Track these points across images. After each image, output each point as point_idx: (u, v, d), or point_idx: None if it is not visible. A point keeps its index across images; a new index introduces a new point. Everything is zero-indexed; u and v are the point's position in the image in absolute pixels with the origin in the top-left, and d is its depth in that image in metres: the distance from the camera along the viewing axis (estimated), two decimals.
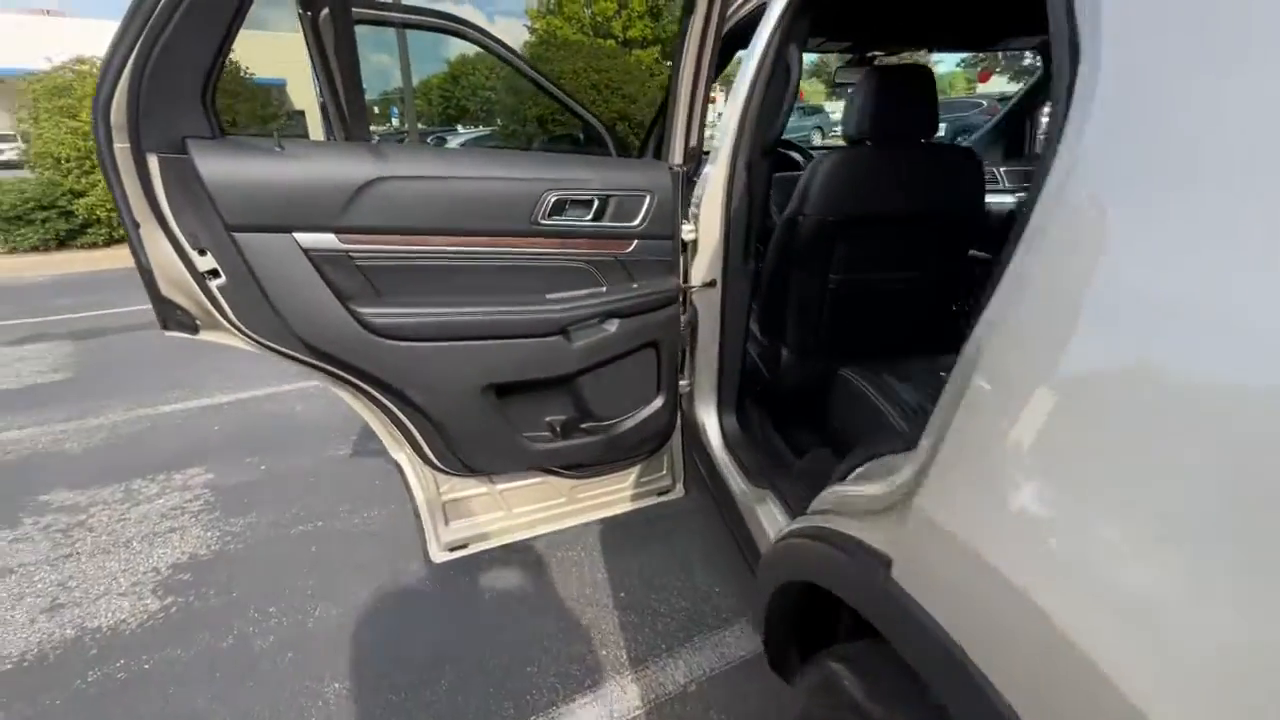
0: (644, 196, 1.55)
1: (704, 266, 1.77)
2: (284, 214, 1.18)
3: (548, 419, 1.68)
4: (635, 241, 1.59)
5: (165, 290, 1.25)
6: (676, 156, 1.62)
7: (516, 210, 1.40)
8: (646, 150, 2.68)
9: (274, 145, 1.16)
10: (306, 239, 1.22)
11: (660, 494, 2.07)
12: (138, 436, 3.31)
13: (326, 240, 1.24)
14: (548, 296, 1.52)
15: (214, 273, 1.21)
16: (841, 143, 2.11)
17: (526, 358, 1.48)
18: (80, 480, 2.91)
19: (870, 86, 1.71)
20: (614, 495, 1.96)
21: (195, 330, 1.31)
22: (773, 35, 1.60)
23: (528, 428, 1.65)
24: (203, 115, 1.09)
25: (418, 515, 1.73)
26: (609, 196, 1.52)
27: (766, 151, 1.67)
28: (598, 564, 2.20)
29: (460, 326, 1.38)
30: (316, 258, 1.24)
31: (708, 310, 1.81)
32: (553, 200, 1.44)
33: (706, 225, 1.72)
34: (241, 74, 8.91)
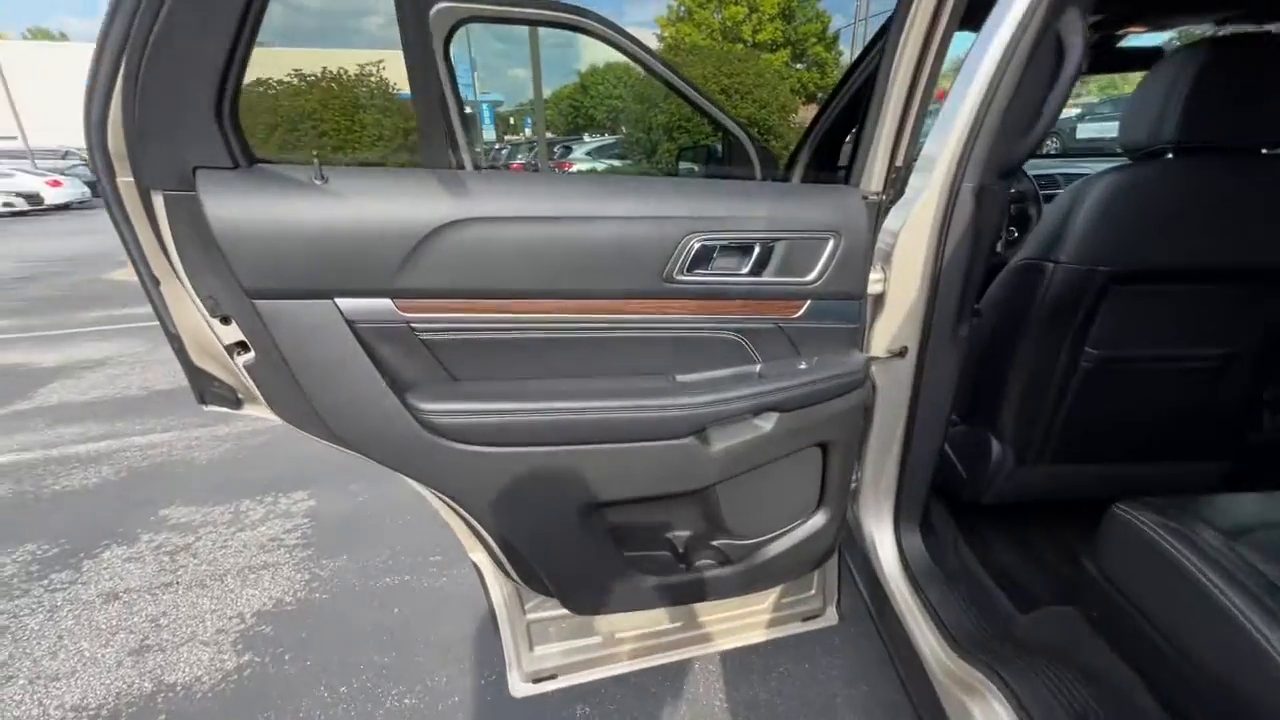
0: (826, 239, 1.08)
1: (891, 328, 1.25)
2: (321, 272, 0.85)
3: (668, 535, 1.25)
4: (807, 303, 1.12)
5: (198, 359, 0.97)
6: (874, 181, 1.13)
7: (646, 262, 0.99)
8: (795, 168, 2.18)
9: (314, 176, 0.83)
10: (352, 306, 0.88)
11: (805, 619, 1.57)
12: (258, 451, 3.34)
13: (380, 308, 0.89)
14: (679, 380, 1.08)
15: (242, 345, 0.90)
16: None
17: (646, 468, 1.06)
18: (198, 496, 2.94)
19: (1187, 67, 1.11)
20: (745, 620, 1.49)
21: (237, 405, 1.02)
22: (1033, 3, 1.05)
23: (640, 544, 1.23)
24: (218, 136, 0.77)
25: (496, 630, 1.37)
26: (776, 240, 1.06)
27: (1008, 172, 1.13)
28: (715, 691, 1.74)
29: (558, 427, 0.99)
30: (365, 332, 0.90)
31: (891, 387, 1.29)
32: (697, 247, 1.01)
33: (902, 272, 1.21)
34: (390, 90, 9.46)
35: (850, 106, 1.51)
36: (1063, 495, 1.53)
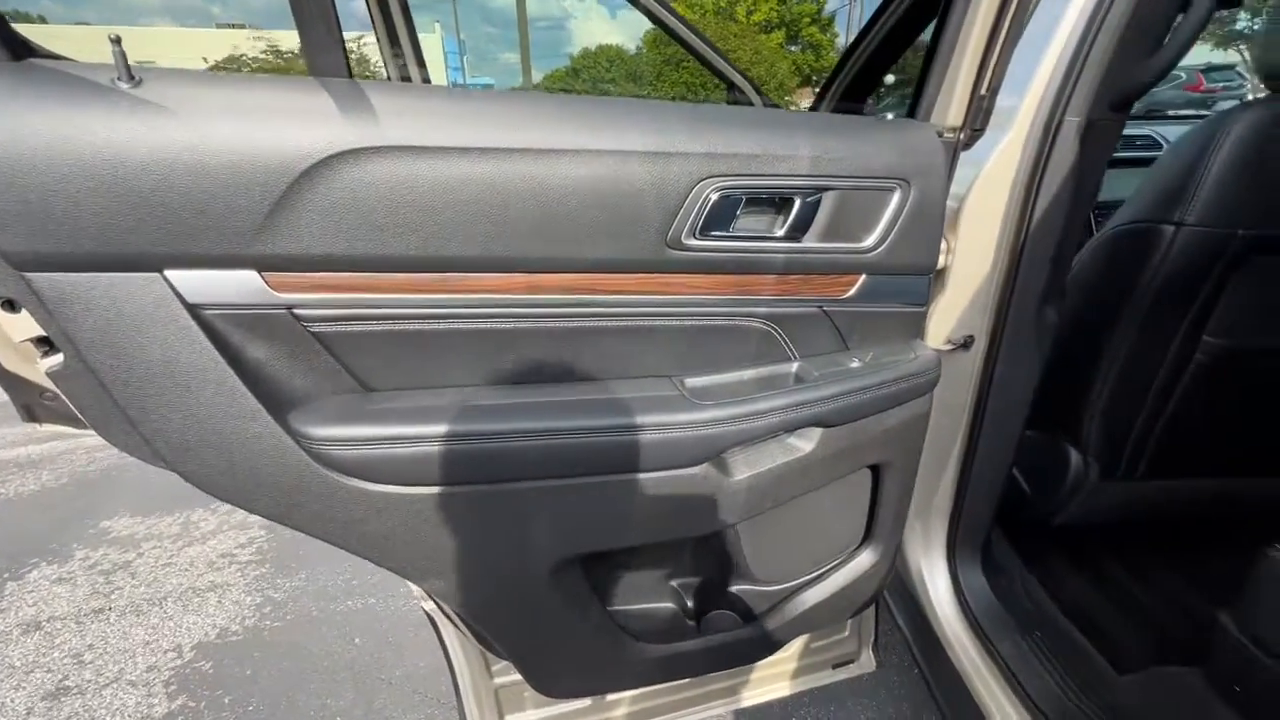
0: (891, 190, 0.79)
1: (955, 311, 0.97)
2: (139, 230, 0.55)
3: (673, 582, 0.97)
4: (861, 278, 0.83)
5: (9, 362, 0.67)
6: (952, 113, 0.84)
7: (643, 219, 0.70)
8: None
9: (114, 76, 0.53)
10: (194, 281, 0.58)
11: (836, 666, 1.29)
12: None
13: (240, 284, 0.60)
14: (688, 384, 0.80)
15: (46, 343, 0.60)
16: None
17: (643, 510, 0.77)
18: (146, 504, 2.65)
19: None
20: (765, 670, 1.21)
21: (82, 423, 0.72)
22: None
23: (633, 595, 0.94)
24: None
25: (457, 692, 1.08)
26: (823, 191, 0.76)
27: (1124, 103, 0.84)
28: None
29: (518, 457, 0.70)
30: (217, 321, 0.60)
31: (950, 386, 1.01)
32: (715, 199, 0.72)
33: (972, 237, 0.93)
34: None
35: (893, 36, 1.21)
36: (1144, 515, 1.25)
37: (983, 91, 0.83)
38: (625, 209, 0.69)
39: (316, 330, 0.64)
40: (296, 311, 0.62)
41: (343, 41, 0.61)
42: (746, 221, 0.77)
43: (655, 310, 0.76)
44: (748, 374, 0.84)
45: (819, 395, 0.79)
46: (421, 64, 1.02)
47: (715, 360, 0.83)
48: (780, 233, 0.77)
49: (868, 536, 1.02)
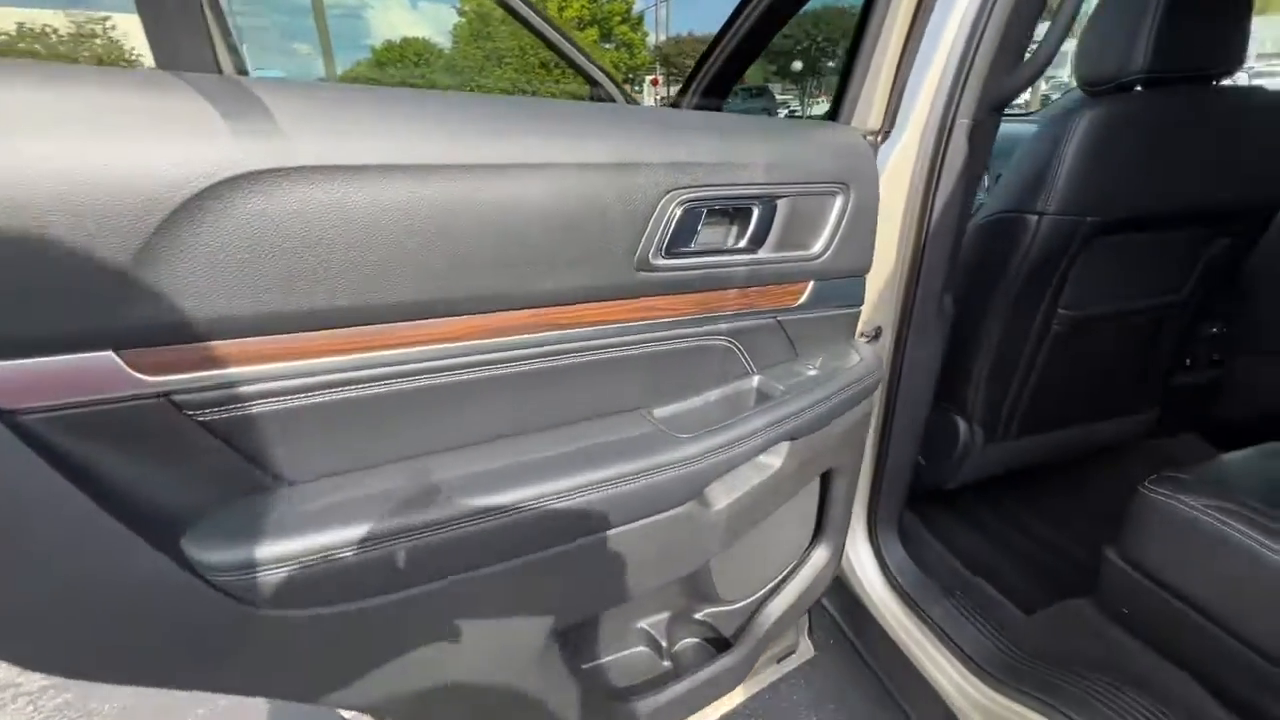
0: (834, 194, 0.78)
1: (866, 307, 1.01)
2: None
3: (643, 623, 0.89)
4: (810, 285, 0.81)
5: None
6: (873, 116, 0.85)
7: (610, 240, 0.61)
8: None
9: None
10: (7, 378, 0.39)
11: (780, 660, 1.31)
12: None
13: (87, 370, 0.41)
14: (656, 415, 0.72)
15: None
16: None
17: (629, 563, 0.68)
18: None
19: None
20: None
21: None
22: None
23: (609, 646, 0.85)
24: None
25: None
26: (777, 197, 0.73)
27: (1001, 105, 0.92)
28: None
29: (493, 538, 0.57)
30: (50, 427, 0.40)
31: None
32: (680, 213, 0.65)
33: (879, 237, 0.96)
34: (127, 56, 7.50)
35: (755, 31, 1.23)
36: (1020, 468, 1.43)
37: (897, 96, 0.86)
38: (592, 230, 0.60)
39: (207, 419, 0.46)
40: (177, 398, 0.44)
41: (206, 23, 0.44)
42: (706, 235, 0.71)
43: (624, 340, 0.67)
44: (714, 395, 0.79)
45: (790, 411, 0.76)
46: (234, 50, 0.80)
47: (682, 385, 0.76)
48: (741, 244, 0.73)
49: (818, 535, 1.03)
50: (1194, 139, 1.11)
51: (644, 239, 0.64)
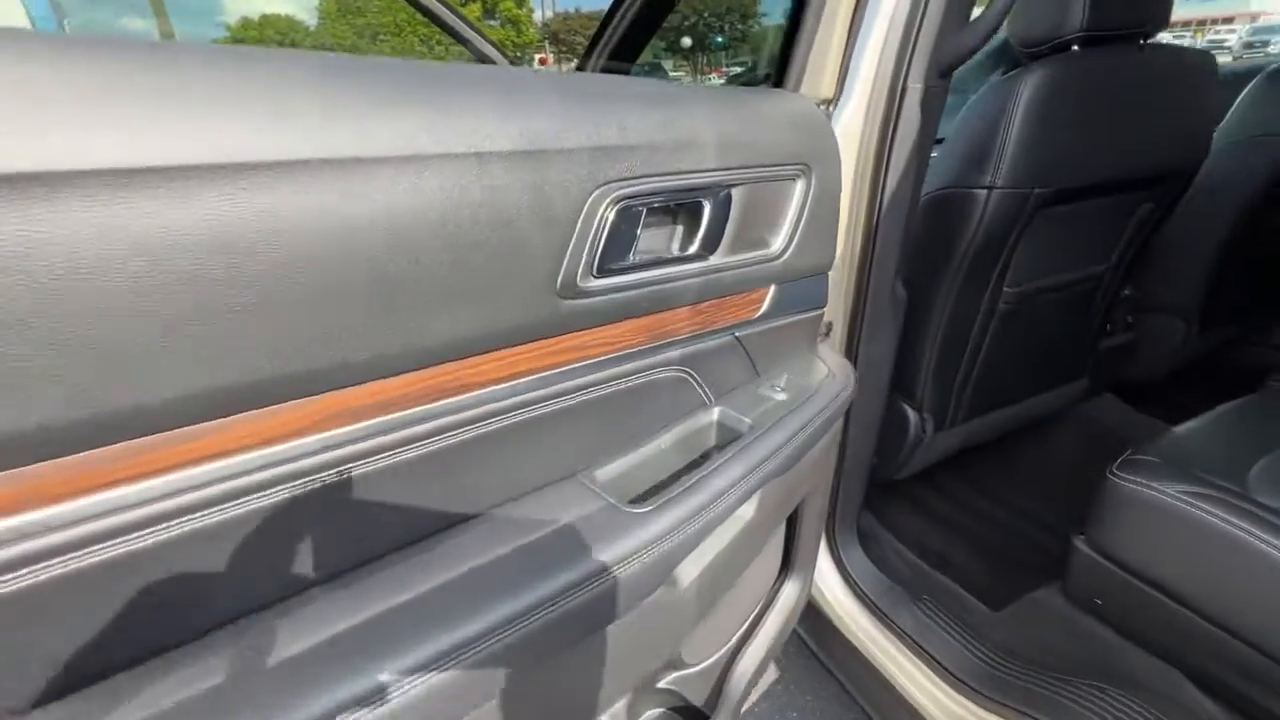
0: (794, 178, 0.63)
1: None
2: None
3: (603, 718, 0.73)
4: (771, 290, 0.67)
5: None
6: (825, 84, 0.72)
7: (522, 262, 0.43)
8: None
9: None
10: None
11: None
12: None
13: None
14: (601, 479, 0.56)
15: None
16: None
17: (581, 685, 0.52)
18: None
19: None
20: None
21: None
22: None
23: None
24: None
25: None
26: (731, 185, 0.57)
27: (950, 69, 0.82)
28: None
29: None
30: None
31: None
32: (613, 215, 0.47)
33: None
34: None
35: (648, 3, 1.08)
36: (970, 452, 1.39)
37: (849, 61, 0.73)
38: (495, 249, 0.41)
39: None
40: None
41: None
42: (647, 241, 0.54)
43: (548, 393, 0.50)
44: (667, 439, 0.63)
45: (762, 455, 0.62)
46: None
47: (628, 433, 0.60)
48: (692, 249, 0.57)
49: (787, 569, 0.91)
50: (1130, 101, 1.06)
51: (568, 255, 0.46)
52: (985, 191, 1.00)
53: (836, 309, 0.92)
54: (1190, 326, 1.52)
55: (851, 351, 0.95)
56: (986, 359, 1.20)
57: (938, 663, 0.96)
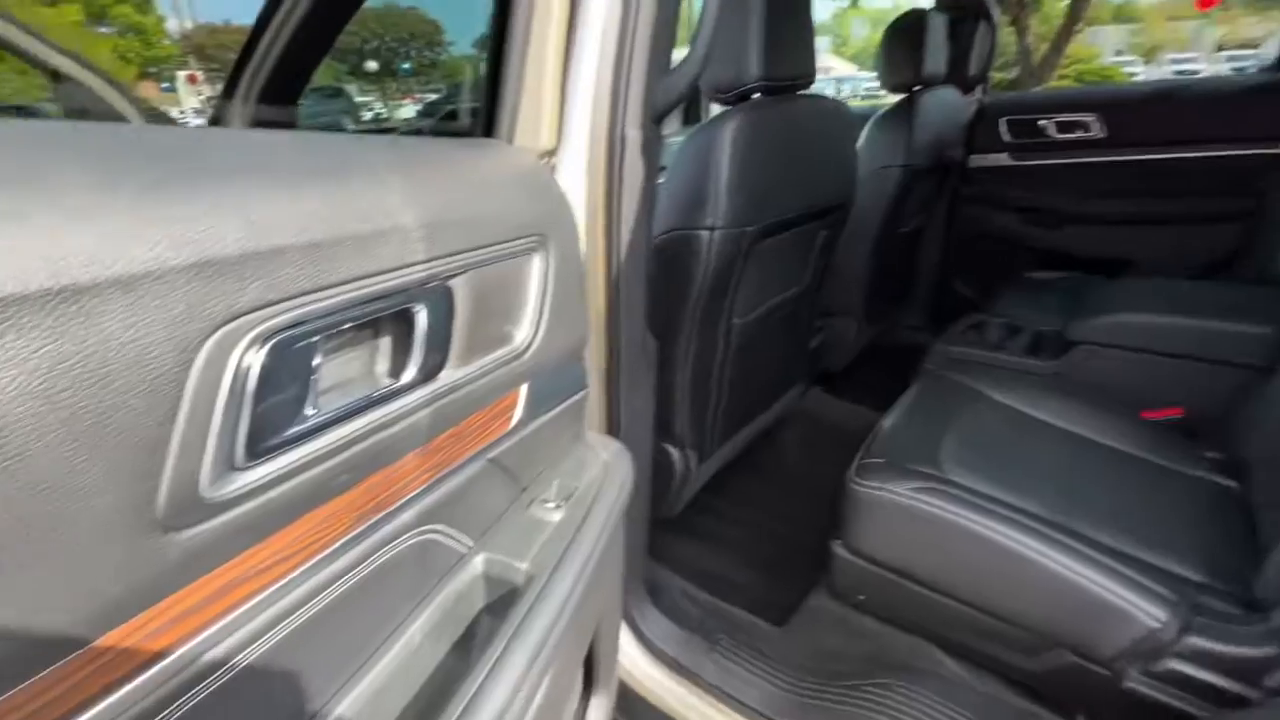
0: (531, 252, 0.51)
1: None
2: None
3: None
4: (523, 391, 0.53)
5: None
6: (544, 134, 0.61)
7: (83, 487, 0.21)
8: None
9: None
10: None
11: None
12: None
13: None
14: None
15: None
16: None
17: None
18: None
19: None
20: None
21: None
22: None
23: None
24: None
25: None
26: (451, 276, 0.42)
27: (661, 116, 0.80)
28: None
29: None
30: None
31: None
32: (261, 360, 0.28)
33: None
34: None
35: (317, 16, 0.90)
36: (721, 476, 1.44)
37: (565, 109, 0.63)
38: (37, 468, 0.20)
39: None
40: None
41: None
42: (335, 371, 0.36)
43: (180, 680, 0.28)
44: (415, 628, 0.44)
45: (552, 614, 0.47)
46: None
47: (355, 644, 0.40)
48: (409, 375, 0.40)
49: (590, 688, 0.78)
50: (802, 144, 1.19)
51: (176, 442, 0.26)
52: (709, 232, 1.01)
53: (592, 371, 0.83)
54: (859, 324, 1.83)
55: (613, 411, 0.87)
56: (730, 387, 1.25)
57: (745, 705, 0.94)
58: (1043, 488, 0.95)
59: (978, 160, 2.16)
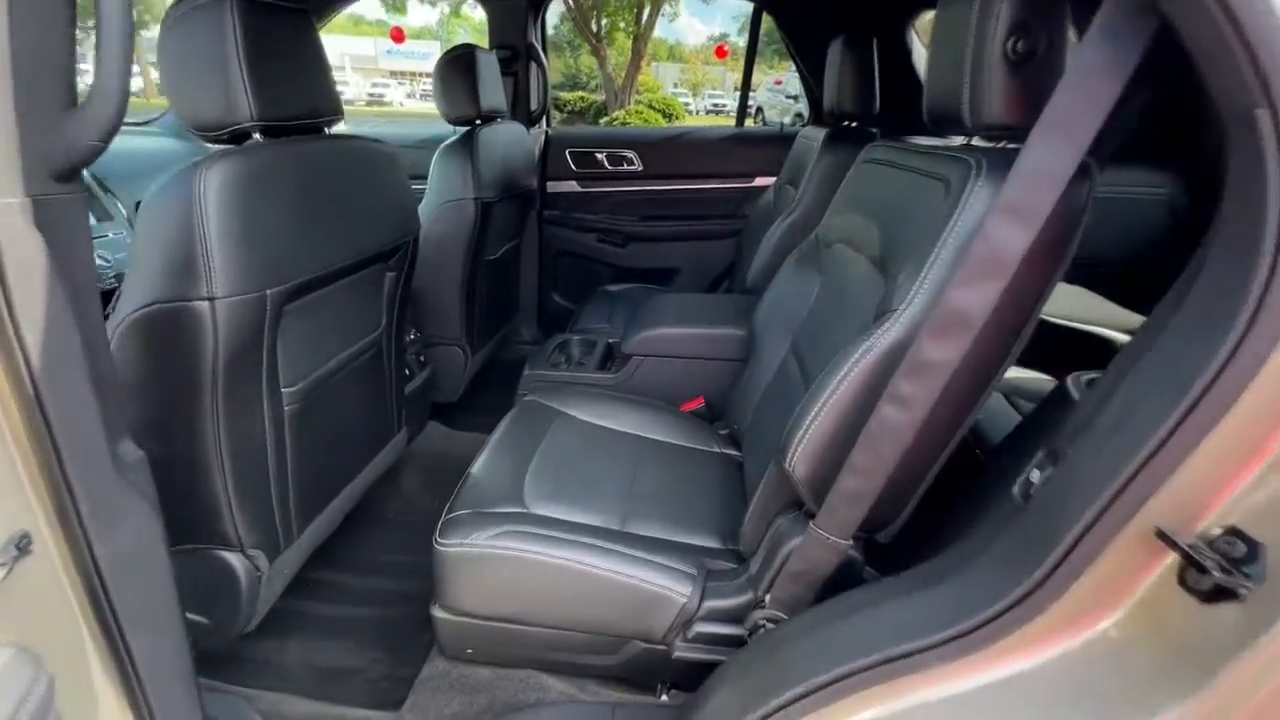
0: None
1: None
2: None
3: None
4: None
5: None
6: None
7: None
8: None
9: None
10: None
11: None
12: None
13: None
14: None
15: None
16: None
17: None
18: None
19: (239, 24, 0.85)
20: None
21: None
22: None
23: None
24: None
25: None
26: None
27: (77, 169, 0.62)
28: None
29: None
30: None
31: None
32: None
33: None
34: None
35: None
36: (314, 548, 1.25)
37: None
38: None
39: None
40: None
41: None
42: None
43: None
44: None
45: None
46: None
47: None
48: None
49: None
50: (336, 187, 1.08)
51: None
52: (208, 303, 0.83)
53: (28, 513, 0.60)
54: (466, 351, 1.83)
55: (84, 568, 0.64)
56: (297, 462, 1.08)
57: None
58: (608, 497, 1.06)
59: (554, 186, 2.37)
